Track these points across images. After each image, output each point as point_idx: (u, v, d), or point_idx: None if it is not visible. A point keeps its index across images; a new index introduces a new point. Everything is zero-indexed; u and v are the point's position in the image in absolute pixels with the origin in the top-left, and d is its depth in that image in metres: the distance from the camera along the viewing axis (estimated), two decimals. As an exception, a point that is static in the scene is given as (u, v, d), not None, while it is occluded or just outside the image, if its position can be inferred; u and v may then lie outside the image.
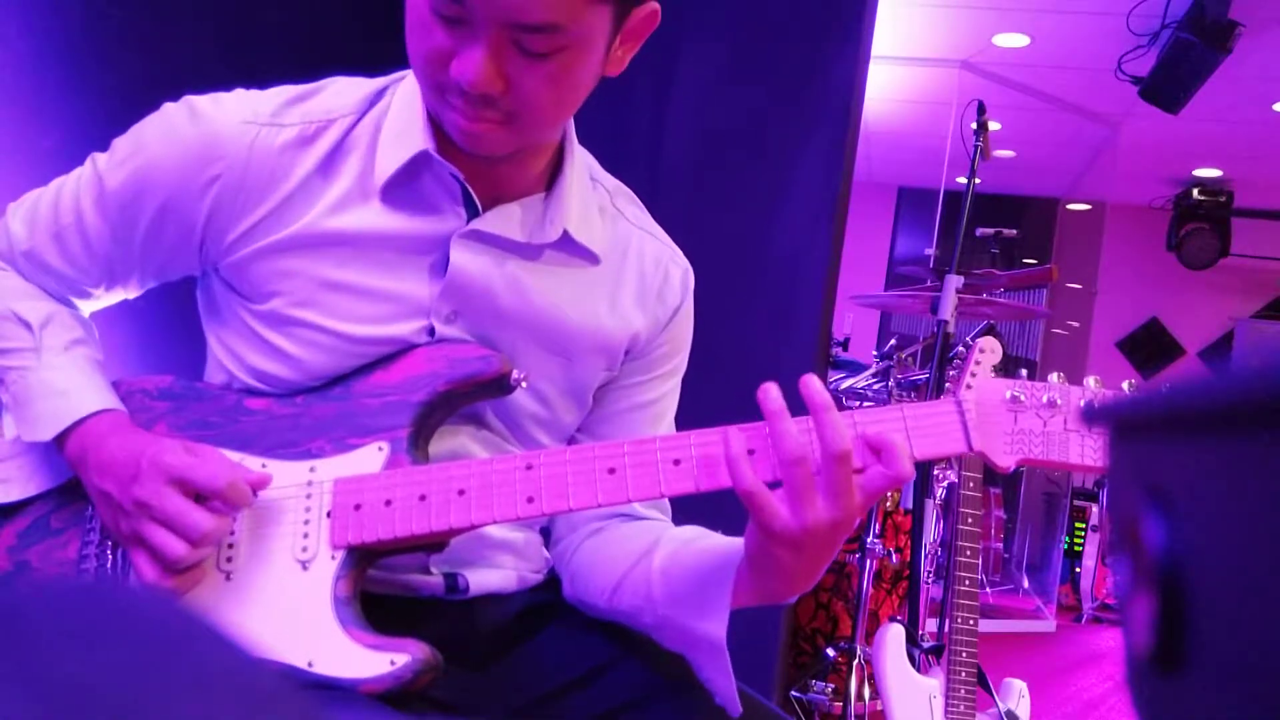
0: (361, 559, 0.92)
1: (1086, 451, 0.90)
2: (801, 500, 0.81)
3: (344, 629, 0.89)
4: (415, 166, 0.95)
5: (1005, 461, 0.90)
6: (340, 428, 0.96)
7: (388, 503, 0.91)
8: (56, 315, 1.01)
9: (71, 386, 0.96)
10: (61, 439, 0.95)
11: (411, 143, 0.94)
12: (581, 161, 1.04)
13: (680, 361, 1.12)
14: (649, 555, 0.97)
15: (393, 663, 0.87)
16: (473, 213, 0.97)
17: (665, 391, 1.11)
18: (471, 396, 0.98)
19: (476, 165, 0.94)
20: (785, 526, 0.81)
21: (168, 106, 0.97)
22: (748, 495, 0.82)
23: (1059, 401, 0.90)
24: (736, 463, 0.83)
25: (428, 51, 0.86)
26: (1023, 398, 0.91)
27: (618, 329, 1.04)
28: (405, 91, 0.98)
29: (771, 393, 0.83)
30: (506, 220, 0.97)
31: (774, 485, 0.84)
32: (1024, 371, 0.94)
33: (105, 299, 1.06)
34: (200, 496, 0.89)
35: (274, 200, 0.95)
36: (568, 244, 1.00)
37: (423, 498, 0.91)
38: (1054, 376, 0.92)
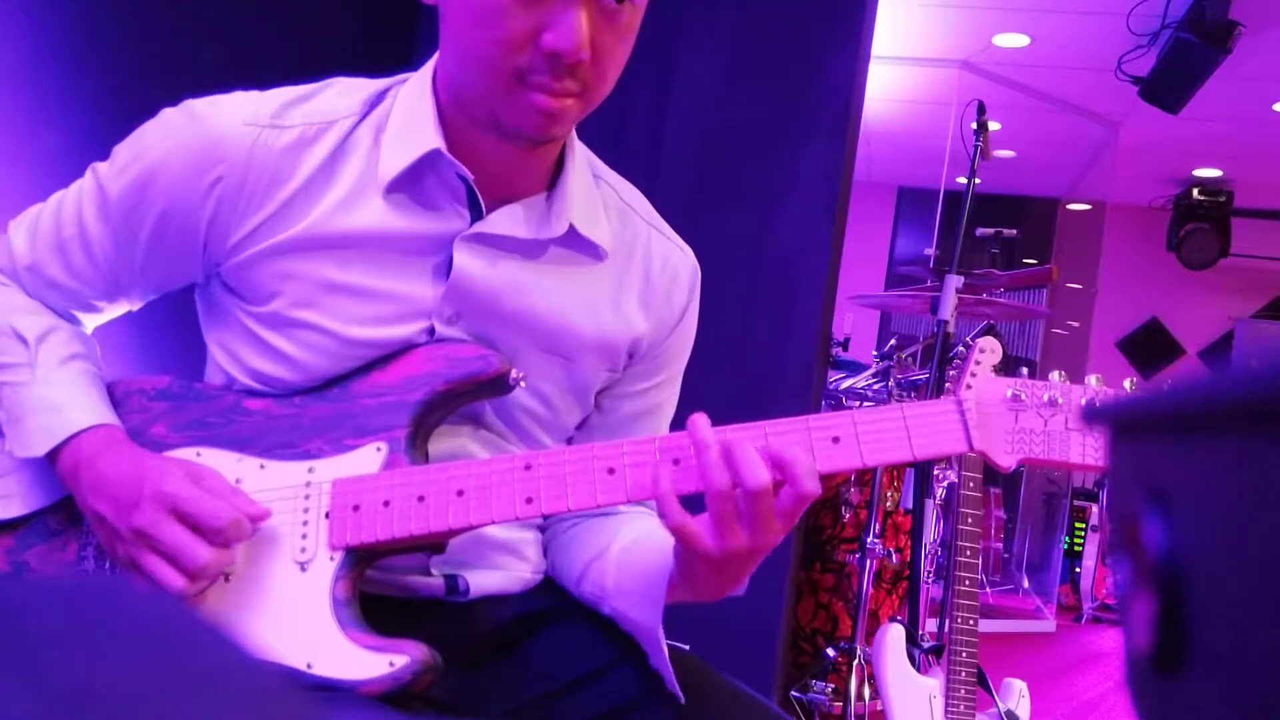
0: (360, 560, 0.92)
1: (1087, 451, 0.89)
2: (725, 529, 0.84)
3: (343, 630, 0.88)
4: (420, 166, 0.95)
5: (1006, 461, 0.90)
6: (338, 428, 0.95)
7: (386, 503, 0.91)
8: (55, 330, 0.99)
9: (66, 402, 0.95)
10: (54, 455, 0.94)
11: (421, 141, 0.94)
12: (583, 157, 1.05)
13: (683, 363, 1.13)
14: (609, 547, 1.01)
15: (392, 664, 0.87)
16: (476, 214, 0.97)
17: (668, 395, 1.12)
18: (471, 396, 0.98)
19: (487, 165, 0.95)
20: (708, 550, 0.85)
21: (166, 111, 0.96)
22: (677, 529, 0.85)
23: (1060, 400, 0.90)
24: (666, 500, 0.86)
25: (508, 36, 0.86)
26: (1024, 396, 0.91)
27: (620, 330, 1.04)
28: (408, 93, 0.98)
29: (700, 423, 0.87)
30: (510, 221, 0.98)
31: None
32: (1025, 370, 0.94)
33: (109, 311, 1.05)
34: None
35: (276, 202, 0.95)
36: (573, 239, 1.00)
37: (421, 498, 0.90)
38: (1055, 375, 0.92)
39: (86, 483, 0.91)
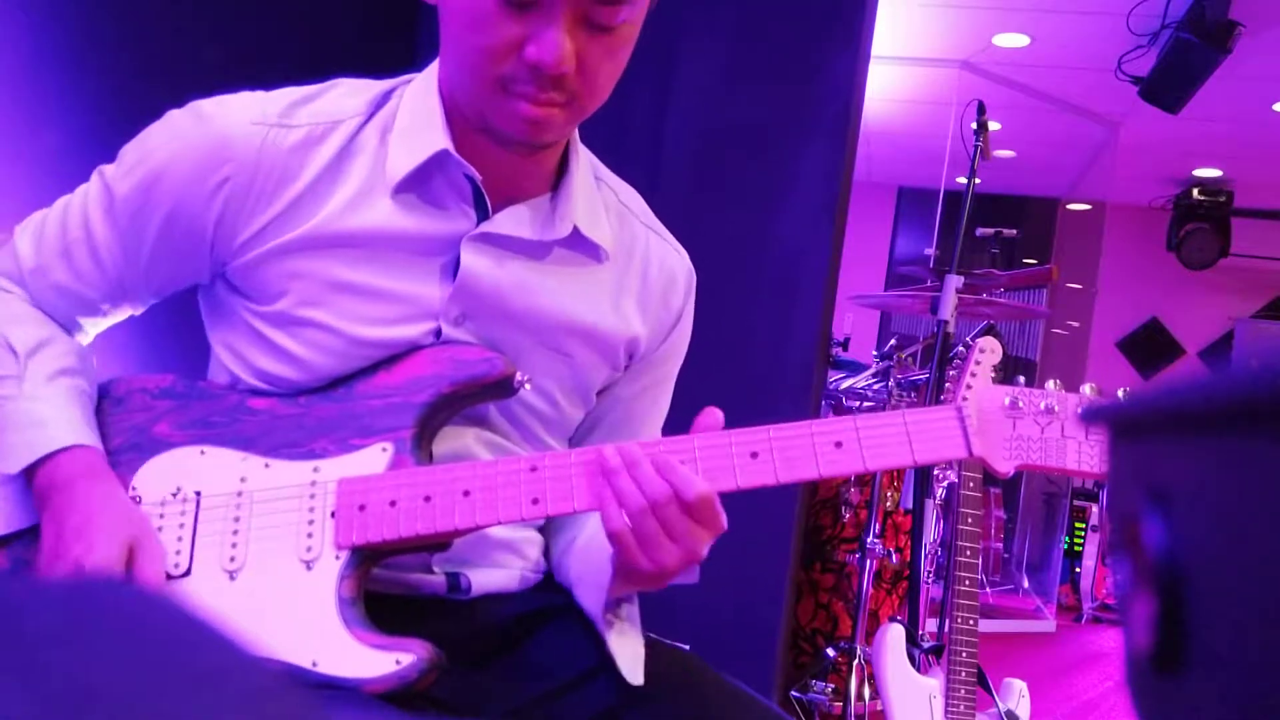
0: (366, 559, 0.92)
1: (1083, 457, 0.92)
2: (652, 546, 0.88)
3: (348, 629, 0.89)
4: (429, 167, 0.95)
5: (1004, 467, 0.92)
6: (344, 428, 0.96)
7: (392, 503, 0.91)
8: (49, 343, 0.98)
9: (49, 418, 0.93)
10: (31, 473, 0.92)
11: (428, 142, 0.95)
12: (585, 160, 1.05)
13: (677, 365, 1.15)
14: (576, 539, 1.07)
15: (398, 662, 0.87)
16: (482, 214, 0.97)
17: (663, 396, 1.14)
18: (475, 398, 0.98)
19: (492, 166, 0.95)
20: (639, 566, 0.89)
21: (173, 113, 0.97)
22: (615, 535, 0.89)
23: (1056, 408, 0.93)
24: (607, 506, 0.89)
25: (493, 44, 0.87)
26: (1021, 404, 0.93)
27: (618, 329, 1.05)
28: (414, 93, 0.99)
29: (607, 451, 0.90)
30: (516, 221, 0.98)
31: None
32: (1021, 378, 0.96)
33: (114, 315, 1.05)
34: None
35: (284, 202, 0.95)
36: (577, 240, 1.01)
37: (428, 498, 0.91)
38: (1051, 383, 0.94)
39: (56, 506, 0.90)
